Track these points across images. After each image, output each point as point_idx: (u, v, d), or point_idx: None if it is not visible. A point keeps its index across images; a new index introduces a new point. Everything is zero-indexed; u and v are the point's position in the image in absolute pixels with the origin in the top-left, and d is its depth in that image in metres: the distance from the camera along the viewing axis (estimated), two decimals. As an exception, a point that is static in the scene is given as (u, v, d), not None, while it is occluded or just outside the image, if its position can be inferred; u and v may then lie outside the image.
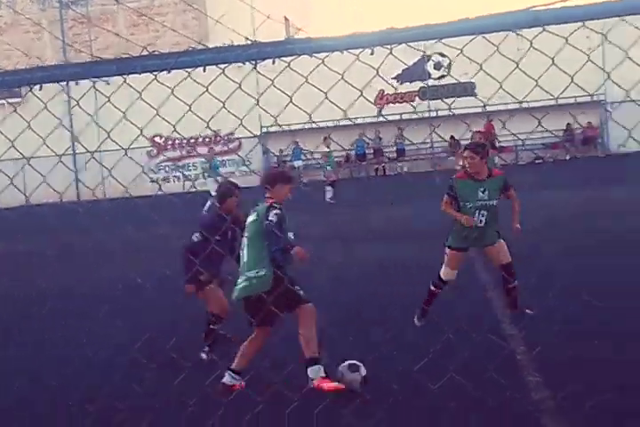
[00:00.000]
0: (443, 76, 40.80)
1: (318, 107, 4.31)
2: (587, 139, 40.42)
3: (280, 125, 36.08)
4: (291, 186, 7.30)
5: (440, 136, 35.69)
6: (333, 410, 5.70)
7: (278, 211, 6.95)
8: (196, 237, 8.23)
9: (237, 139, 41.48)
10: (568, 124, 38.98)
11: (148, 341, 6.34)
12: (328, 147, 27.53)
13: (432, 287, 8.75)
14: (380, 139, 40.85)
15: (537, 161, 39.17)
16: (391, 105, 41.33)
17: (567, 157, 39.64)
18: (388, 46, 3.70)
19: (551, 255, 11.64)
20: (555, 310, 7.95)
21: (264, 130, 40.13)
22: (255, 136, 36.81)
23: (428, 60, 40.61)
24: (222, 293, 8.28)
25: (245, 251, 7.05)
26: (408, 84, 41.29)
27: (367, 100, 6.87)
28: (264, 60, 3.84)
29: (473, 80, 38.24)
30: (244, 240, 7.12)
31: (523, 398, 5.83)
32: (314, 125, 34.51)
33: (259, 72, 3.79)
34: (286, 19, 51.96)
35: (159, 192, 28.83)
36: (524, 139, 36.74)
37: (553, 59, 3.54)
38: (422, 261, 12.62)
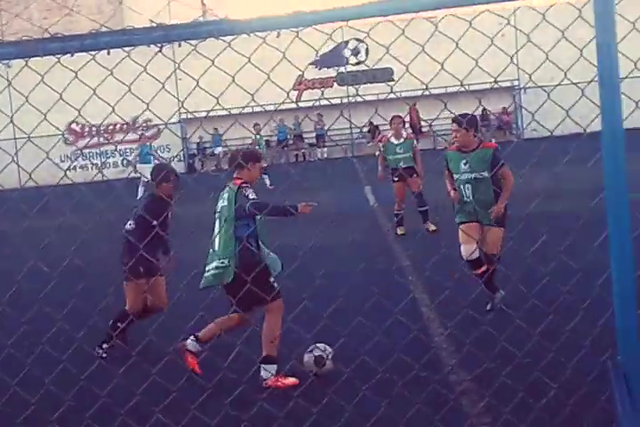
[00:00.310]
0: (360, 62, 40.92)
1: (224, 91, 4.25)
2: (502, 124, 41.16)
3: (190, 112, 35.65)
4: (261, 165, 7.06)
5: (352, 122, 35.80)
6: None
7: (251, 189, 6.70)
8: (129, 224, 7.87)
9: (155, 125, 40.88)
10: (484, 109, 39.53)
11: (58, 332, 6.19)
12: (258, 133, 27.31)
13: (472, 272, 8.32)
14: (300, 124, 40.83)
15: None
16: (310, 91, 41.29)
17: (484, 142, 40.24)
18: (296, 30, 3.66)
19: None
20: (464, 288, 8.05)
21: (182, 116, 39.61)
22: (163, 124, 36.09)
23: (346, 46, 40.67)
24: (162, 287, 7.99)
25: (216, 238, 6.80)
26: (326, 69, 41.30)
27: (276, 84, 6.84)
28: (170, 42, 3.78)
29: (391, 66, 38.47)
30: (215, 227, 6.86)
31: (440, 380, 5.90)
32: (234, 111, 34.30)
33: (164, 55, 3.75)
34: (203, 3, 51.34)
35: (67, 181, 28.06)
36: (430, 124, 37.10)
37: (457, 43, 3.56)
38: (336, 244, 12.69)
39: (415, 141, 14.68)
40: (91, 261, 7.80)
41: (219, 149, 40.55)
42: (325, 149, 40.86)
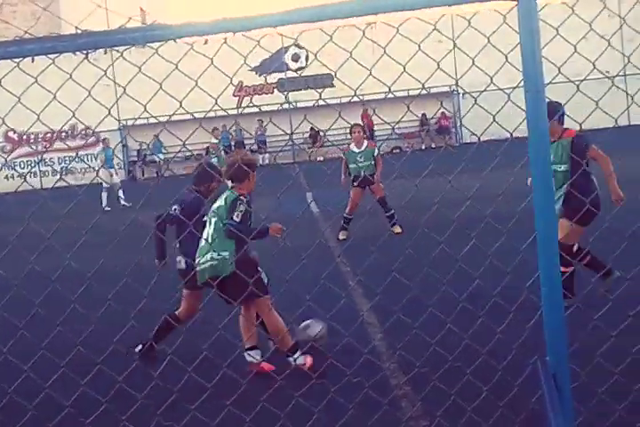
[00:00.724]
0: (301, 68, 41.01)
1: (152, 98, 4.22)
2: (441, 128, 41.61)
3: (120, 121, 35.25)
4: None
5: (284, 130, 35.84)
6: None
7: (242, 206, 6.82)
8: (174, 210, 7.54)
9: (94, 133, 40.40)
10: (423, 114, 39.95)
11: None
12: (217, 138, 27.26)
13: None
14: (241, 131, 40.79)
15: (394, 151, 40.13)
16: (250, 97, 41.25)
17: (423, 147, 40.63)
18: (224, 36, 3.64)
19: (404, 239, 11.83)
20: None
21: (122, 123, 39.20)
22: (102, 131, 35.50)
23: (286, 52, 40.74)
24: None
25: (209, 232, 6.88)
26: (267, 75, 41.31)
27: (204, 90, 6.71)
28: (96, 49, 3.73)
29: (330, 72, 38.62)
30: (209, 221, 6.96)
31: (380, 384, 5.91)
32: (174, 118, 33.83)
33: (91, 62, 3.70)
34: (142, 9, 51.00)
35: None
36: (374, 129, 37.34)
37: (385, 48, 3.58)
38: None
39: (377, 149, 14.74)
40: (22, 273, 7.65)
41: (159, 156, 40.27)
42: (267, 154, 40.84)
